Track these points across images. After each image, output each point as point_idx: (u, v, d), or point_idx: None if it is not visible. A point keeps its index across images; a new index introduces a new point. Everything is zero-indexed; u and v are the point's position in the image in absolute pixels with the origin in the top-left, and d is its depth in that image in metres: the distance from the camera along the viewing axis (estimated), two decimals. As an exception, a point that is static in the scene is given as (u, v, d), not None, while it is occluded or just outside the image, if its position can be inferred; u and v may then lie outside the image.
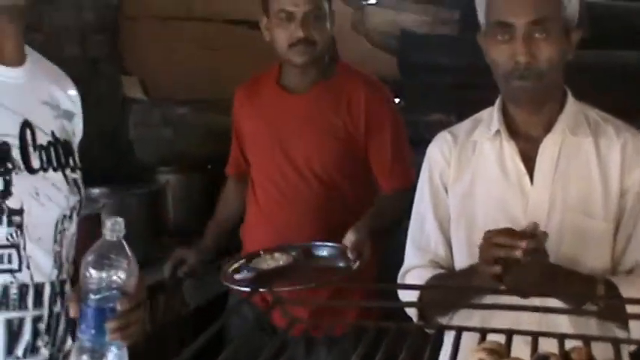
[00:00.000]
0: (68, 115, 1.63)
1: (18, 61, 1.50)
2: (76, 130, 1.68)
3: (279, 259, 2.29)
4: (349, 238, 2.32)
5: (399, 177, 2.67)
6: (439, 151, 2.04)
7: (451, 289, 1.95)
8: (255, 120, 2.74)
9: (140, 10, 4.21)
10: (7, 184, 1.40)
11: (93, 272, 1.36)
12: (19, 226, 1.42)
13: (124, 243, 1.39)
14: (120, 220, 1.38)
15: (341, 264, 2.27)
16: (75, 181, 1.58)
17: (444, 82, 3.89)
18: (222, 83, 4.15)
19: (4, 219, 1.40)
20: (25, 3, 1.43)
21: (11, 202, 1.41)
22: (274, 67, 2.73)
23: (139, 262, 1.40)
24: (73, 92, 1.68)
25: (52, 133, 1.54)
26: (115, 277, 1.37)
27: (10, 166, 1.42)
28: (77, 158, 1.62)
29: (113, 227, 1.37)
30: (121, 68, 4.20)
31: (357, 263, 2.23)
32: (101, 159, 3.77)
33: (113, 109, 4.11)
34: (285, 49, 2.56)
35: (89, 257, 1.37)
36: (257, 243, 2.58)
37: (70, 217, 1.57)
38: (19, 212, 1.42)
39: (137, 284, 1.41)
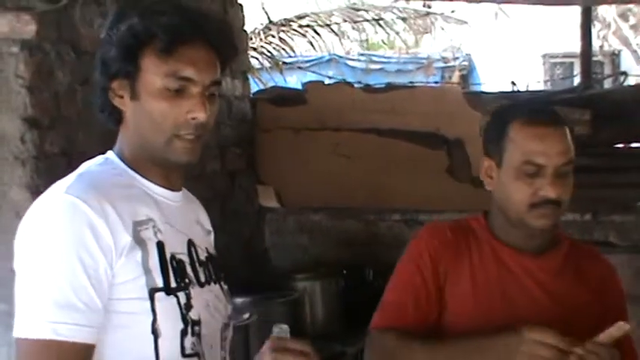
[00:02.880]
0: (209, 233, 1.82)
1: (180, 186, 1.70)
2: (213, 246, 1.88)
3: None
4: None
5: None
6: None
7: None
8: (470, 280, 2.04)
9: (274, 122, 4.40)
10: (188, 297, 1.57)
11: None
12: (199, 336, 1.57)
13: None
14: (285, 326, 1.52)
15: None
16: (228, 291, 1.75)
17: (577, 182, 3.84)
18: (354, 189, 4.26)
19: (189, 329, 1.55)
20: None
21: (192, 314, 1.57)
22: (475, 219, 2.12)
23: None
24: (204, 212, 1.86)
25: (207, 250, 1.71)
26: None
27: (187, 281, 1.59)
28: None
29: (279, 334, 1.50)
30: (256, 179, 4.38)
31: None
32: (239, 267, 3.89)
33: (250, 219, 4.26)
34: (524, 210, 1.97)
35: None
36: None
37: (229, 324, 1.73)
38: (198, 323, 1.57)
39: None
